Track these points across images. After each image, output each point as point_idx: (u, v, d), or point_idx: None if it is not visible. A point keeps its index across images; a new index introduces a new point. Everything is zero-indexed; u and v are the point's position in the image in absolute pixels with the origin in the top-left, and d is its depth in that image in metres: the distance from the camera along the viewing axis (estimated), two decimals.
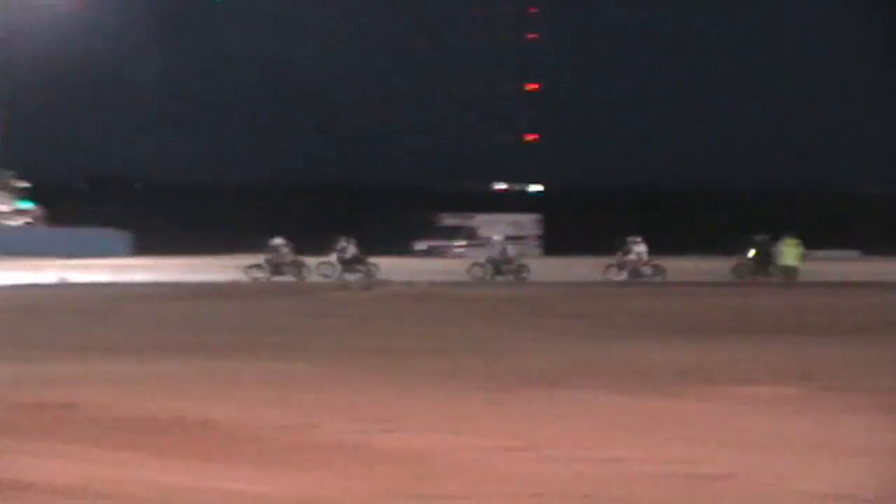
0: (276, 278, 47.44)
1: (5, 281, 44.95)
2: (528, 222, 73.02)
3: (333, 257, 49.12)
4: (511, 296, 42.90)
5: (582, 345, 29.13)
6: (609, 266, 49.60)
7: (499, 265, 48.89)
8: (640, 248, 49.62)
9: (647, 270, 49.15)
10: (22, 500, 13.49)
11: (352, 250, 49.17)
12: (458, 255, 66.44)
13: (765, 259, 50.21)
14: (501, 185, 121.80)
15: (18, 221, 69.69)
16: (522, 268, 49.07)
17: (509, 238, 67.22)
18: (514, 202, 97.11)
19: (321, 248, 50.28)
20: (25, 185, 72.61)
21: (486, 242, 64.63)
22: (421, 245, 68.93)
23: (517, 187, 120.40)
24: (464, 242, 69.32)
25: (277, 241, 48.79)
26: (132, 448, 16.38)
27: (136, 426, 17.79)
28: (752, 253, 50.10)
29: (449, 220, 72.11)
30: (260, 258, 48.85)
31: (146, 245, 63.93)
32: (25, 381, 21.82)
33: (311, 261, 50.09)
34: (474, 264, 49.59)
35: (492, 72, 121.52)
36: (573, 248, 59.61)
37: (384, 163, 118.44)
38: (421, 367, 24.72)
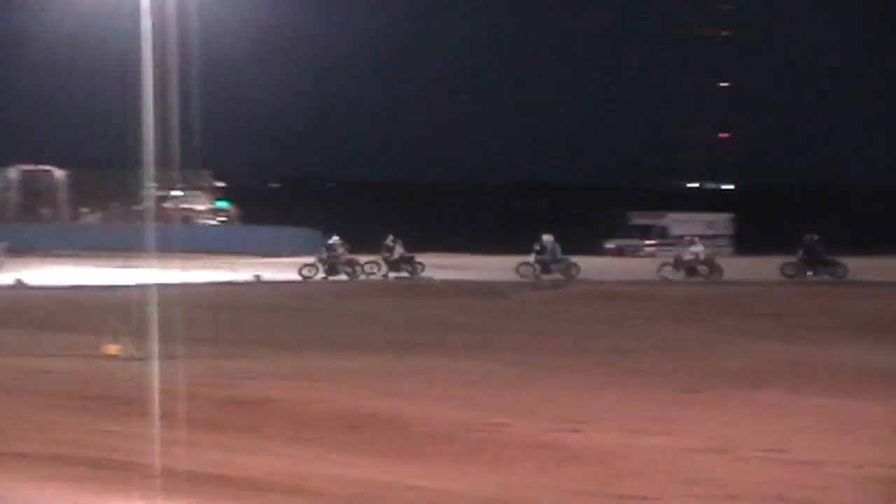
0: (331, 278, 47.55)
1: (203, 278, 45.98)
2: (720, 221, 71.92)
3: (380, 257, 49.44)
4: (699, 295, 42.42)
5: (772, 345, 28.64)
6: (664, 265, 50.02)
7: (547, 264, 49.31)
8: (697, 248, 50.62)
9: (703, 269, 49.51)
10: (220, 495, 13.76)
11: (399, 250, 49.37)
12: (649, 255, 65.79)
13: (813, 258, 49.85)
14: (693, 184, 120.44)
15: (215, 220, 71.19)
16: (571, 266, 49.43)
17: (701, 237, 66.42)
18: (707, 200, 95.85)
19: (521, 247, 50.40)
20: (221, 185, 74.24)
21: (677, 242, 63.85)
22: (610, 244, 68.35)
23: (710, 185, 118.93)
24: (654, 242, 68.58)
25: (333, 240, 48.83)
26: (326, 444, 16.59)
27: (331, 422, 18.01)
28: (801, 252, 49.94)
29: (640, 218, 71.37)
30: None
31: None
32: (223, 376, 22.26)
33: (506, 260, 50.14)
34: (523, 263, 49.75)
35: (684, 69, 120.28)
36: (766, 246, 58.60)
37: (579, 161, 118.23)
38: (611, 367, 24.57)
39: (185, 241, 47.76)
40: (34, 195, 71.23)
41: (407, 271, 48.91)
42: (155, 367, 18.92)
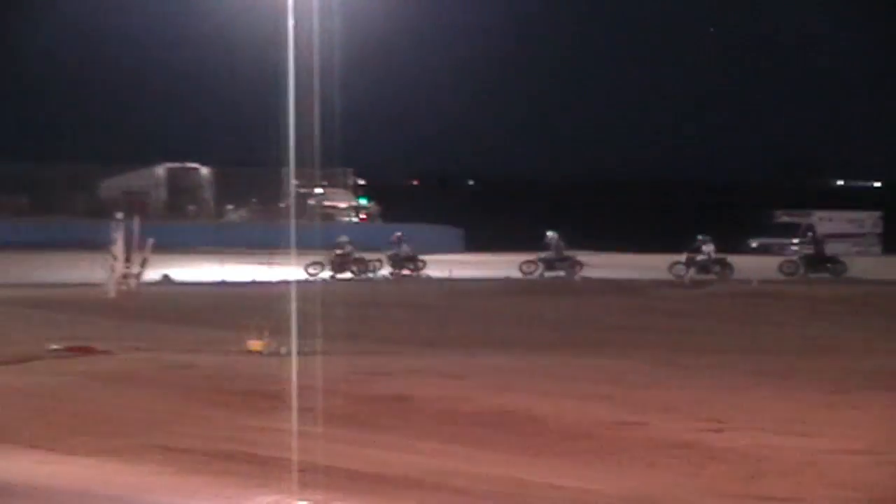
0: (338, 276, 47.42)
1: (343, 275, 46.47)
2: (867, 220, 70.62)
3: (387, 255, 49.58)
4: (841, 295, 41.73)
5: None
6: (675, 263, 49.17)
7: (552, 262, 49.00)
8: (709, 247, 49.88)
9: (715, 268, 48.98)
10: (359, 490, 13.84)
11: (406, 249, 49.50)
12: (795, 253, 64.87)
13: (816, 256, 50.27)
14: (840, 181, 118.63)
15: (355, 218, 71.80)
16: (576, 264, 48.92)
17: (845, 236, 65.30)
18: (855, 198, 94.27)
19: (674, 246, 50.15)
20: (362, 182, 74.95)
21: (822, 240, 62.89)
22: (755, 242, 67.49)
23: (857, 183, 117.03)
24: (798, 240, 67.59)
25: (342, 238, 48.89)
26: (463, 441, 16.61)
27: (467, 420, 18.02)
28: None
29: (784, 217, 70.43)
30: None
31: (477, 241, 64.88)
32: (361, 373, 22.38)
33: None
34: (526, 261, 49.34)
35: (832, 68, 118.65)
36: None
37: (727, 159, 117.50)
38: (752, 366, 24.24)
39: (327, 238, 48.21)
40: (180, 192, 72.49)
41: (409, 269, 49.26)
42: (296, 363, 19.04)
